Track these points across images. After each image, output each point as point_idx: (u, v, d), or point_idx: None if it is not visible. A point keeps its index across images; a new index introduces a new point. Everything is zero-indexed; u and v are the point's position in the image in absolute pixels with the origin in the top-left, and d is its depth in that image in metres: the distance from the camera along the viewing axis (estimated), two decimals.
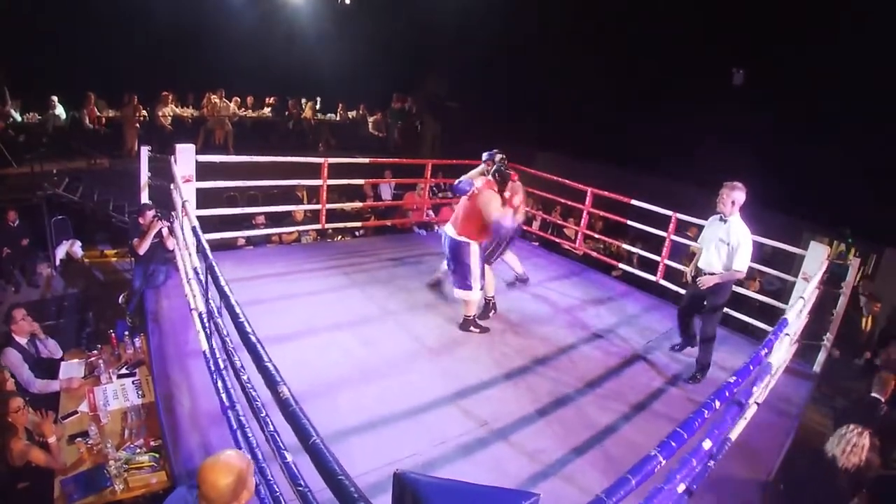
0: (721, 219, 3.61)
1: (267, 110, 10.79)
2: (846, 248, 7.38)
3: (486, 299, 4.35)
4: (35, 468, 2.94)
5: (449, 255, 3.99)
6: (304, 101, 11.24)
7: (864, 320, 5.40)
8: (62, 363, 4.02)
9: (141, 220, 4.50)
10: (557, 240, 7.00)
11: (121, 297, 4.94)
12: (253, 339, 1.74)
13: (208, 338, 2.84)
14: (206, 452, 2.59)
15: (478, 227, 3.87)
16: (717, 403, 1.71)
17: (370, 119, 12.01)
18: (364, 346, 3.70)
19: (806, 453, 3.19)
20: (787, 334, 2.71)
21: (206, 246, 2.66)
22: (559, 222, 7.12)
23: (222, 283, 2.21)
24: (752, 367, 2.04)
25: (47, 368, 3.96)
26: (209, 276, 2.47)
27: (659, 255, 5.37)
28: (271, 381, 1.50)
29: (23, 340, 3.91)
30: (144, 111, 8.96)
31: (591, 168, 7.99)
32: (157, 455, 2.99)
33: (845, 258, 6.33)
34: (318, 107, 11.46)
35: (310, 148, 10.47)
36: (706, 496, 2.47)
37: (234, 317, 1.94)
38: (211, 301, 2.56)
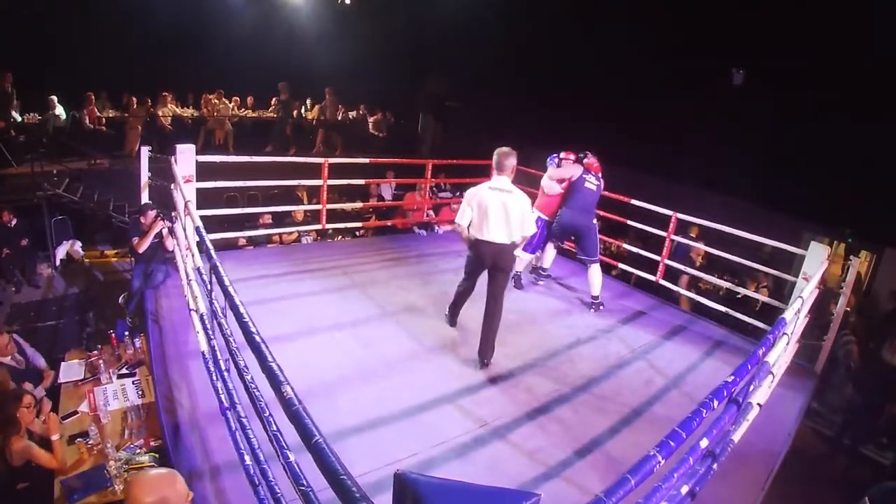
0: None
1: (269, 111, 10.80)
2: (846, 249, 7.40)
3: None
4: (35, 468, 2.95)
5: None
6: (309, 101, 11.27)
7: None
8: (62, 363, 4.03)
9: (143, 220, 4.51)
10: None
11: (121, 297, 4.95)
12: (257, 338, 1.75)
13: (208, 338, 2.84)
14: (206, 452, 2.60)
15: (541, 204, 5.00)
16: (716, 403, 1.71)
17: (370, 119, 12.02)
18: (364, 347, 3.70)
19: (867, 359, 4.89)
20: (785, 334, 2.71)
21: (210, 245, 2.67)
22: None
23: (227, 283, 2.22)
24: (749, 367, 2.05)
25: (35, 377, 3.93)
26: (213, 276, 2.47)
27: (658, 254, 5.38)
28: (275, 381, 1.50)
29: (6, 359, 3.84)
30: (150, 112, 8.97)
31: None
32: (157, 455, 3.00)
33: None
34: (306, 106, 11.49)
35: (309, 148, 10.49)
36: (708, 498, 2.48)
37: (239, 317, 1.94)
38: (214, 301, 2.56)
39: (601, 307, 4.91)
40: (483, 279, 3.76)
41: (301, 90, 11.21)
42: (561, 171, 4.89)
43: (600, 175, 4.92)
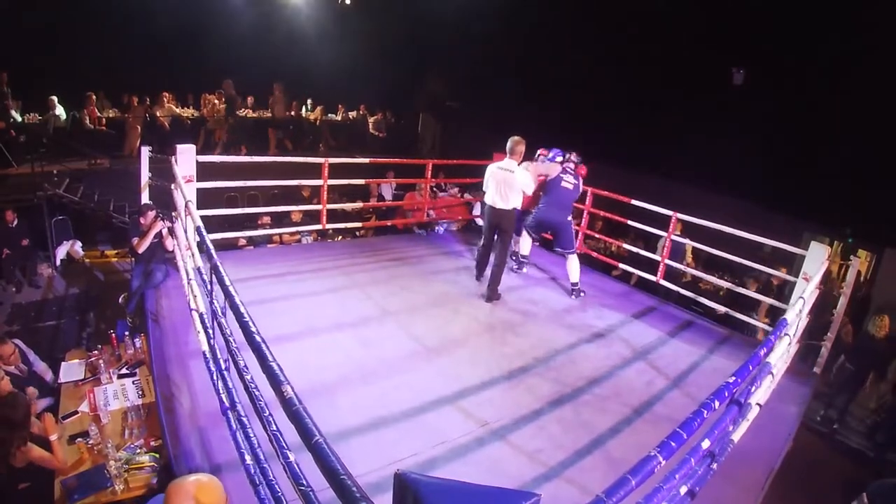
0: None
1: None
2: (846, 249, 7.40)
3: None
4: (36, 468, 2.95)
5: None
6: (310, 102, 11.26)
7: None
8: (62, 363, 4.03)
9: (142, 221, 4.50)
10: None
11: (121, 297, 4.95)
12: (258, 338, 1.74)
13: (209, 338, 2.84)
14: (207, 452, 2.60)
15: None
16: (717, 404, 1.71)
17: (370, 119, 12.03)
18: (364, 347, 3.70)
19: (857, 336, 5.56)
20: (786, 334, 2.71)
21: (211, 246, 2.66)
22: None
23: (227, 283, 2.21)
24: (751, 367, 2.04)
25: (39, 386, 3.91)
26: (213, 276, 2.47)
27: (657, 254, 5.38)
28: (275, 381, 1.50)
29: (10, 368, 3.82)
30: (149, 112, 8.98)
31: (591, 168, 8.01)
32: (157, 455, 3.00)
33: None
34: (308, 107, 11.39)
35: (308, 148, 10.49)
36: (708, 498, 2.47)
37: (239, 316, 1.94)
38: (215, 301, 2.56)
39: (582, 293, 5.12)
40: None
41: (301, 90, 11.21)
42: (539, 166, 5.15)
43: (580, 177, 5.12)
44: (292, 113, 10.48)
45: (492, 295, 4.73)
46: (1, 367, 3.70)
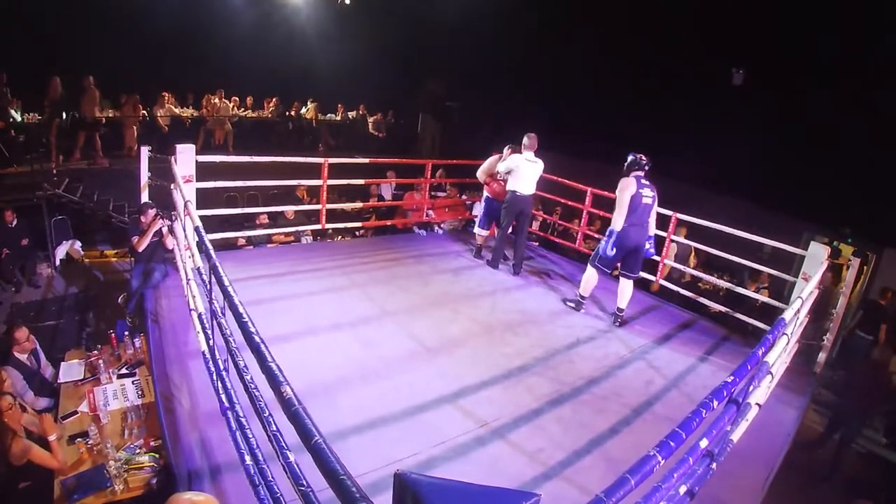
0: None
1: (268, 112, 10.81)
2: (844, 248, 7.39)
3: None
4: (35, 468, 2.95)
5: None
6: (309, 102, 11.26)
7: None
8: (62, 363, 4.03)
9: (143, 219, 4.50)
10: (557, 240, 7.01)
11: (120, 297, 4.95)
12: (257, 339, 1.74)
13: (208, 338, 2.84)
14: (206, 453, 2.60)
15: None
16: (715, 403, 1.71)
17: (370, 119, 12.03)
18: (364, 347, 3.70)
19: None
20: (784, 334, 2.71)
21: (210, 246, 2.66)
22: (565, 224, 7.15)
23: (226, 283, 2.22)
24: (749, 367, 2.05)
25: (41, 384, 3.95)
26: (213, 277, 2.47)
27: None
28: (274, 381, 1.50)
29: (23, 357, 3.90)
30: (143, 111, 8.95)
31: (591, 167, 8.02)
32: (157, 455, 3.00)
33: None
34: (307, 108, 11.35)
35: (307, 148, 10.49)
36: (708, 498, 2.48)
37: (238, 317, 1.94)
38: (214, 301, 2.56)
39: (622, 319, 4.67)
40: None
41: (301, 90, 11.21)
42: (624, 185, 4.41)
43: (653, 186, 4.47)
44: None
45: (520, 268, 5.52)
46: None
